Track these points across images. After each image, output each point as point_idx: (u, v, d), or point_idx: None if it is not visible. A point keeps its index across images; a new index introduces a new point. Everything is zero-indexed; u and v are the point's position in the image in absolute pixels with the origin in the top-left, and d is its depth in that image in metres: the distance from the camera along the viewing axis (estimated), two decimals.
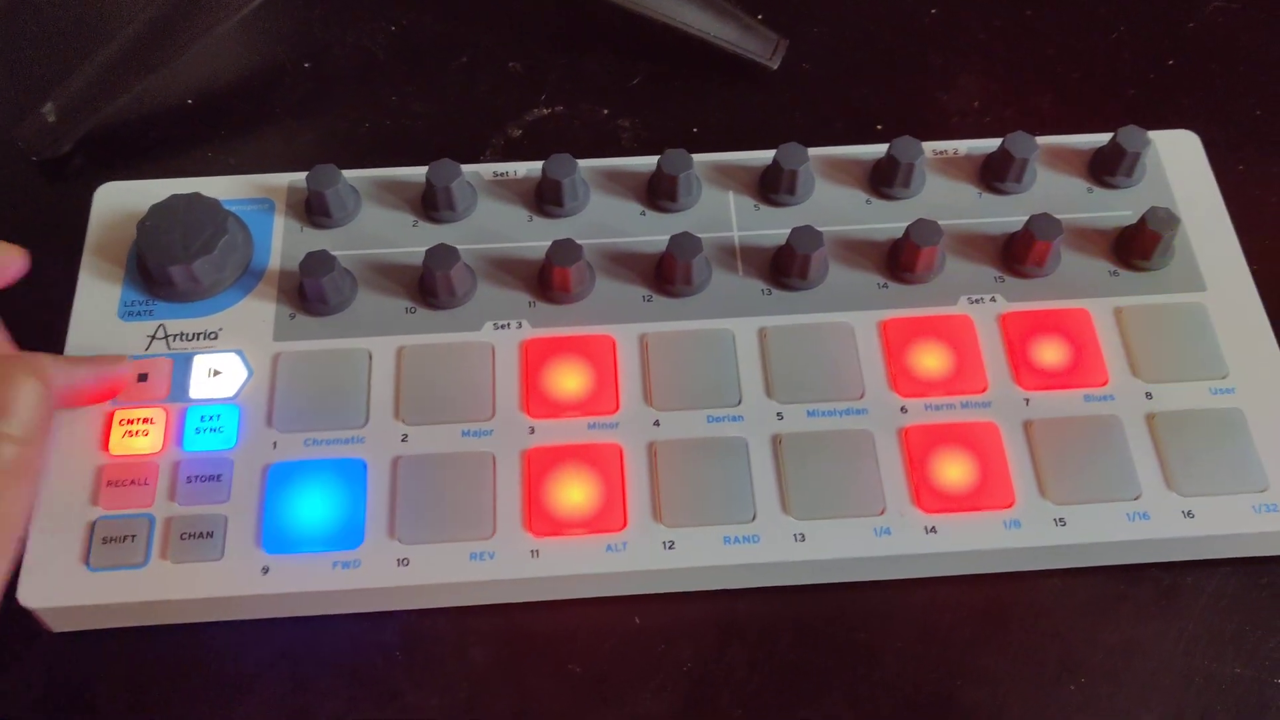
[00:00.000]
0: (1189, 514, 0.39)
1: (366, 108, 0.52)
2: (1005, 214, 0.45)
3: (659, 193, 0.45)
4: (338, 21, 0.55)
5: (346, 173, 0.45)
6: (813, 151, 0.46)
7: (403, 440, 0.40)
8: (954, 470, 0.39)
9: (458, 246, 0.42)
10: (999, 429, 0.40)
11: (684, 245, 0.42)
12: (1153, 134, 0.46)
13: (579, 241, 0.42)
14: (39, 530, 0.38)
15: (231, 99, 0.52)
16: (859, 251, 0.44)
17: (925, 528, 0.39)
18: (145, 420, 0.40)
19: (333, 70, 0.53)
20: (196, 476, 0.39)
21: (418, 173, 0.45)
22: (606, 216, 0.45)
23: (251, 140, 0.51)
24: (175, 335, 0.42)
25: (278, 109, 0.52)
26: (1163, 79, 0.53)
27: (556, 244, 0.42)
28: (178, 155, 0.50)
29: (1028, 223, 0.43)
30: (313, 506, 0.39)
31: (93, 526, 0.38)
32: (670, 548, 0.38)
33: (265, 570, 0.38)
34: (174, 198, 0.43)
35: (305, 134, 0.51)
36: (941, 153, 0.47)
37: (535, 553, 0.38)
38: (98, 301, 0.43)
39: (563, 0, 0.51)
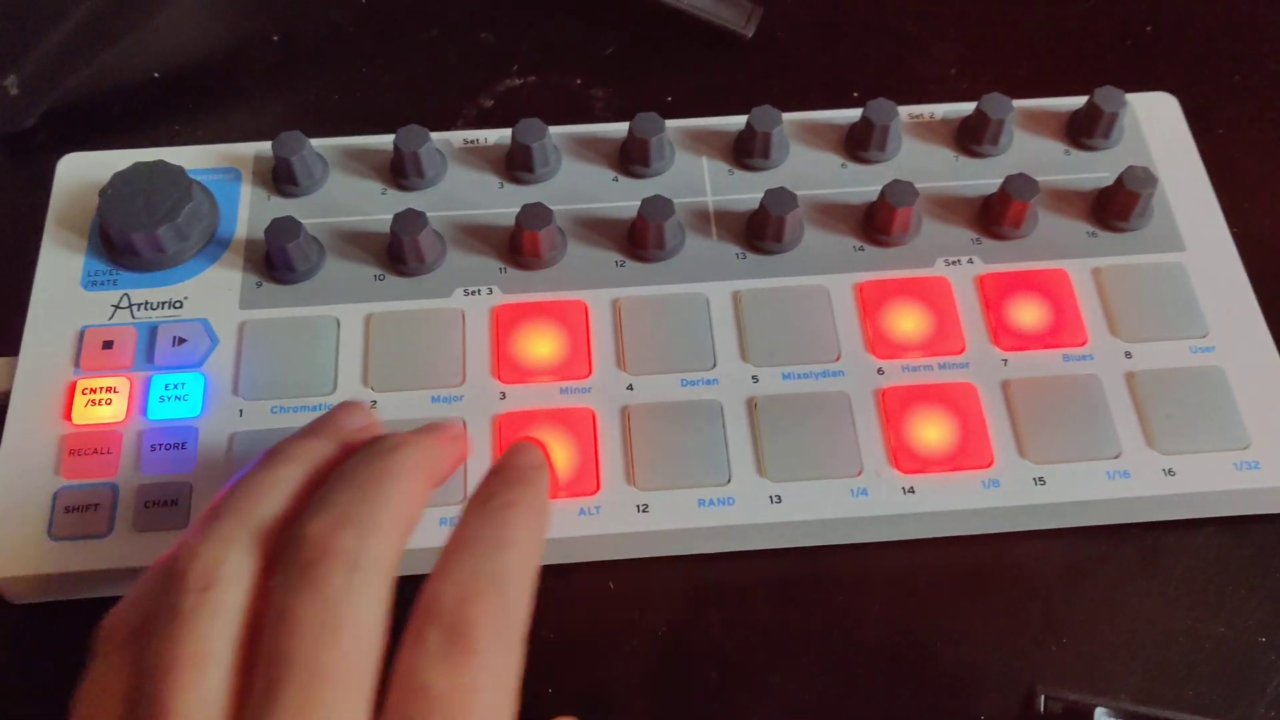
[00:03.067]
0: (1170, 472, 0.38)
1: (336, 80, 0.51)
2: (982, 176, 0.44)
3: (631, 158, 0.44)
4: None
5: (314, 141, 0.44)
6: (787, 116, 0.45)
7: (371, 406, 0.39)
8: (932, 431, 0.39)
9: (427, 213, 0.42)
10: (977, 389, 0.40)
11: (655, 207, 0.41)
12: (1130, 96, 0.46)
13: (550, 207, 0.42)
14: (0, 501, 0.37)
15: (198, 72, 0.51)
16: (834, 215, 0.43)
17: (903, 488, 0.38)
18: (108, 389, 0.39)
19: (301, 43, 0.52)
20: (161, 445, 0.38)
21: (386, 140, 0.45)
22: (578, 182, 0.44)
23: (218, 113, 0.50)
24: (139, 304, 0.41)
25: (245, 82, 0.51)
26: (1141, 45, 0.52)
27: (527, 208, 0.41)
28: (143, 128, 0.49)
29: (1004, 183, 0.42)
30: None
31: (55, 496, 0.37)
32: (644, 511, 0.38)
33: None
34: (137, 165, 0.42)
35: (273, 107, 0.51)
36: (918, 116, 0.46)
37: None
38: (60, 272, 0.42)
39: None
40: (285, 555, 0.28)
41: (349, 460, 0.30)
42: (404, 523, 0.29)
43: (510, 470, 0.32)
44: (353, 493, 0.29)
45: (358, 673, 0.26)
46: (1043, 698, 0.33)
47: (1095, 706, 0.33)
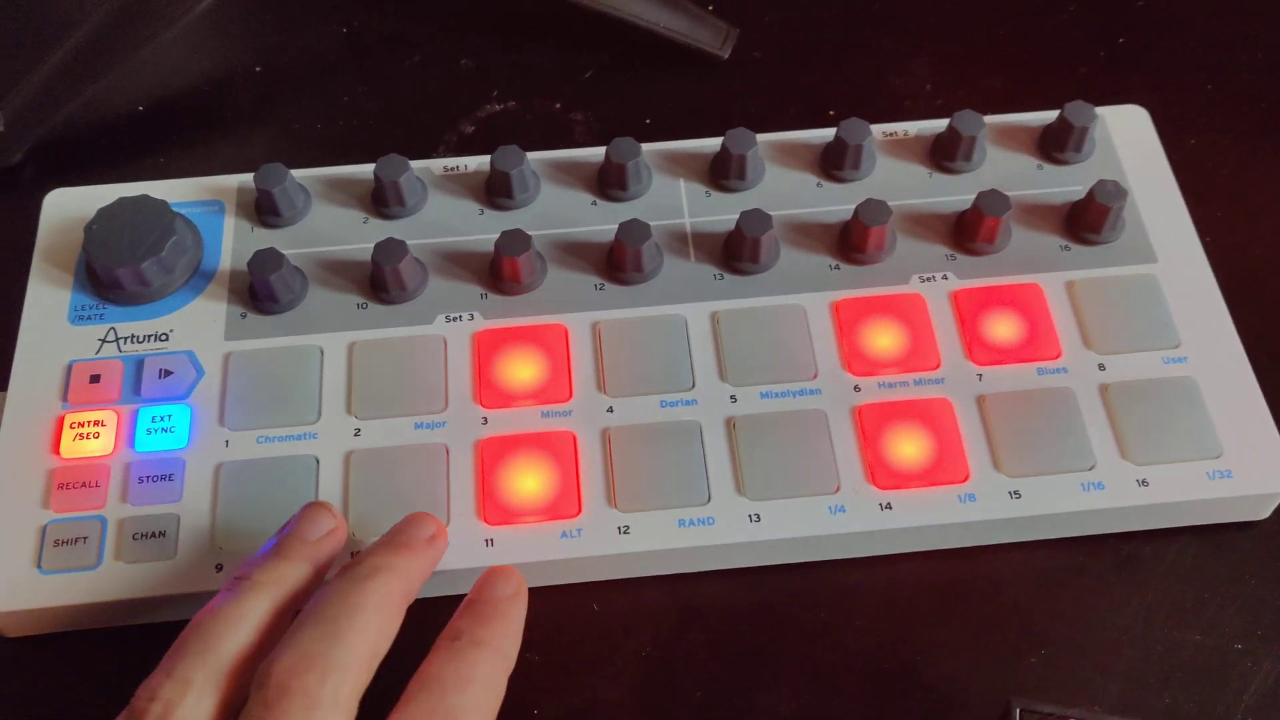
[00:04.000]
0: (1144, 483, 0.39)
1: (319, 109, 0.52)
2: (955, 193, 0.45)
3: (609, 182, 0.45)
4: (288, 24, 0.55)
5: (296, 172, 0.45)
6: (762, 137, 0.46)
7: (355, 434, 0.40)
8: (908, 447, 0.39)
9: (409, 241, 0.42)
10: (952, 405, 0.40)
11: (633, 232, 0.42)
12: (1101, 109, 0.46)
13: (530, 232, 0.42)
14: None
15: (183, 104, 0.52)
16: (810, 234, 0.44)
17: (880, 504, 0.38)
18: (96, 423, 0.40)
19: (284, 73, 0.53)
20: (148, 477, 0.39)
21: (367, 170, 0.45)
22: (557, 207, 0.45)
23: (204, 145, 0.51)
24: (126, 338, 0.42)
25: (230, 113, 0.52)
26: (1114, 57, 0.53)
27: (505, 234, 0.42)
28: (130, 162, 0.50)
29: (976, 199, 0.43)
30: (267, 503, 0.38)
31: (44, 530, 0.38)
32: (625, 532, 0.38)
33: (219, 568, 0.37)
34: (121, 201, 0.43)
35: (258, 137, 0.51)
36: (891, 134, 0.47)
37: (490, 541, 0.38)
38: (47, 307, 0.43)
39: None
40: (252, 693, 0.30)
41: (320, 592, 0.32)
42: (369, 657, 0.31)
43: (483, 605, 0.34)
44: (321, 628, 0.31)
45: None
46: (1018, 711, 0.34)
47: (1069, 718, 0.33)
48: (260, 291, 0.42)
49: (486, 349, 0.41)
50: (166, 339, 0.42)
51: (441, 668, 0.32)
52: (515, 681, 0.37)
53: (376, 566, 0.33)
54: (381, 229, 0.44)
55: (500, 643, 0.33)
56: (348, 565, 0.33)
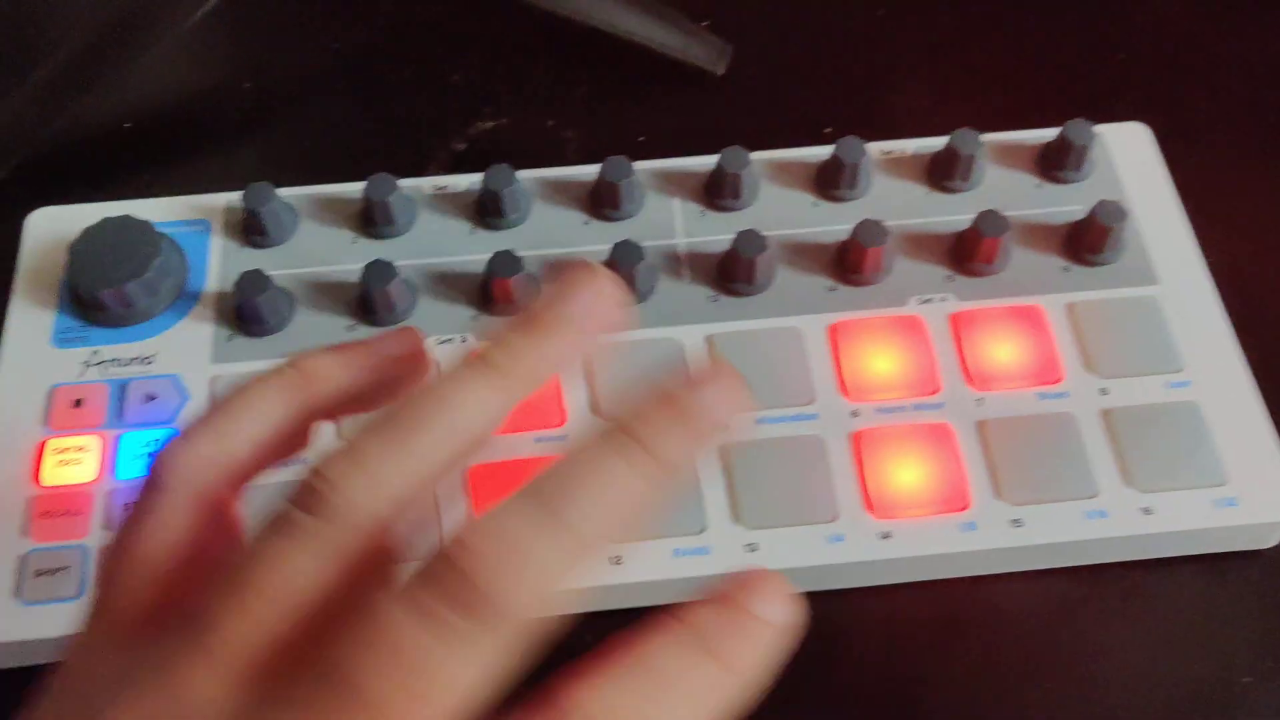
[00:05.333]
0: (1148, 511, 0.38)
1: (308, 126, 0.51)
2: (954, 212, 0.44)
3: (602, 201, 0.44)
4: (277, 40, 0.54)
5: (283, 190, 0.44)
6: (758, 155, 0.45)
7: None
8: (907, 474, 0.39)
9: (398, 262, 0.42)
10: (953, 430, 0.39)
11: (625, 253, 0.41)
12: (1101, 127, 0.46)
13: (521, 253, 0.42)
14: None
15: (170, 121, 0.51)
16: (807, 254, 0.43)
17: (879, 534, 0.38)
18: (79, 449, 0.39)
19: (273, 89, 0.52)
20: (132, 505, 0.38)
21: (356, 188, 0.45)
22: (550, 227, 0.44)
23: (192, 162, 0.50)
24: (110, 360, 0.41)
25: (218, 130, 0.51)
26: (1112, 73, 0.52)
27: (497, 256, 0.41)
28: (116, 180, 0.49)
29: (975, 220, 0.42)
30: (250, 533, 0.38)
31: (24, 559, 0.37)
32: (618, 563, 0.37)
33: None
34: (105, 221, 0.42)
35: (247, 154, 0.51)
36: (889, 153, 0.46)
37: None
38: (30, 329, 0.42)
39: (504, 11, 0.50)
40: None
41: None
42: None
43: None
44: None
45: None
46: None
47: None
48: (247, 314, 0.41)
49: None
50: (151, 362, 0.41)
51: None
52: None
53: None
54: (371, 249, 0.43)
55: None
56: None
